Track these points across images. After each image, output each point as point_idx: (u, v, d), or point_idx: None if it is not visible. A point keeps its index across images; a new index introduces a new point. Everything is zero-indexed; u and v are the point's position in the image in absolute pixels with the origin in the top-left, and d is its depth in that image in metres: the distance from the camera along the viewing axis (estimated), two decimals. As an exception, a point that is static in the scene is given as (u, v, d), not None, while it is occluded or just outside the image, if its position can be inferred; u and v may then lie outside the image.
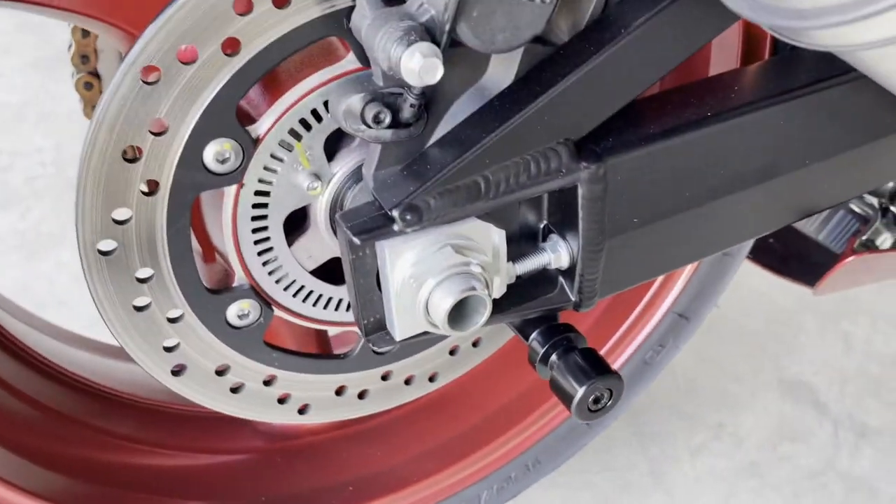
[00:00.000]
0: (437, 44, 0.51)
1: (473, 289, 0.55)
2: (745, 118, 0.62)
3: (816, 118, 0.64)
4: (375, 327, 0.61)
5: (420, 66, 0.49)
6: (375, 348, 0.60)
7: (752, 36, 0.75)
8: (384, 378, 0.76)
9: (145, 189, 0.56)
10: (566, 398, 0.61)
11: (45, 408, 0.71)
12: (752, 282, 1.26)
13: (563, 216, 0.60)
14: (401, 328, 0.59)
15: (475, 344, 0.79)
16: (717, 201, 0.64)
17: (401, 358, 0.75)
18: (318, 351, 0.81)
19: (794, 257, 0.94)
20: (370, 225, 0.55)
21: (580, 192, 0.58)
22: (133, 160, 0.55)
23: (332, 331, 0.82)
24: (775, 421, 1.19)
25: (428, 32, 0.51)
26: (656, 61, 0.57)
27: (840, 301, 1.33)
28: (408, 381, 0.78)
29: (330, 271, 0.68)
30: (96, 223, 0.56)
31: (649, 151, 0.59)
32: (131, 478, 0.75)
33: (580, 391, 0.61)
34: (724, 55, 0.77)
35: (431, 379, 0.79)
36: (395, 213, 0.54)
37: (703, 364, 1.24)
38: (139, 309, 0.60)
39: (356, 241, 0.55)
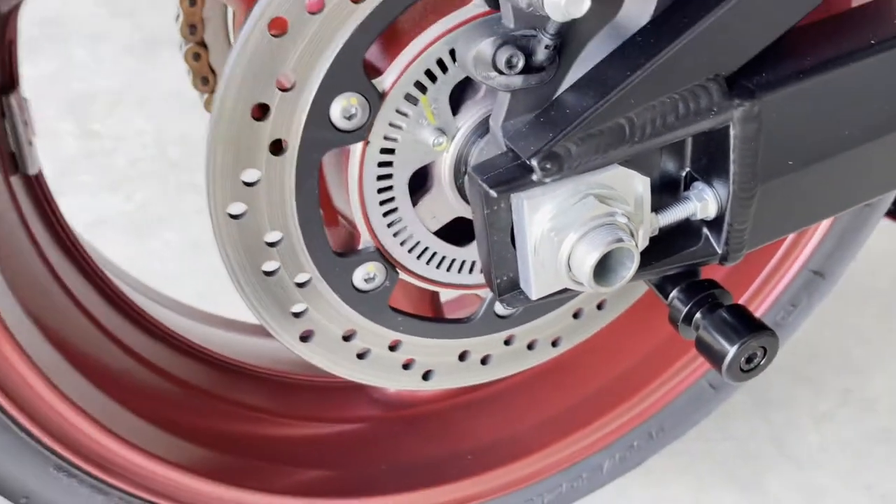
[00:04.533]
0: (581, -25, 0.47)
1: (621, 240, 0.52)
2: (911, 45, 0.55)
3: None
4: (509, 286, 0.58)
5: (566, -2, 0.46)
6: (509, 308, 0.57)
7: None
8: (507, 343, 0.73)
9: (273, 149, 0.55)
10: (716, 359, 0.57)
11: (179, 381, 0.72)
12: (876, 239, 1.18)
13: (710, 161, 0.56)
14: (538, 286, 0.56)
15: (600, 306, 0.76)
16: (878, 140, 0.59)
17: (524, 322, 0.72)
18: (432, 315, 0.79)
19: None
20: (506, 176, 0.52)
21: (732, 132, 0.53)
22: (261, 119, 0.53)
23: (444, 295, 0.80)
24: (907, 385, 1.11)
25: (568, -36, 0.47)
26: (815, -15, 0.52)
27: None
28: (531, 346, 0.75)
29: (451, 232, 0.66)
30: (226, 186, 0.55)
31: (808, 85, 0.54)
32: (259, 447, 0.75)
33: (732, 350, 0.57)
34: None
35: (554, 343, 0.76)
36: (534, 162, 0.51)
37: (825, 326, 1.17)
38: (269, 273, 0.59)
39: (493, 193, 0.52)
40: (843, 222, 0.83)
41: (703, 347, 0.59)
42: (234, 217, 0.56)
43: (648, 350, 0.87)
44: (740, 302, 0.86)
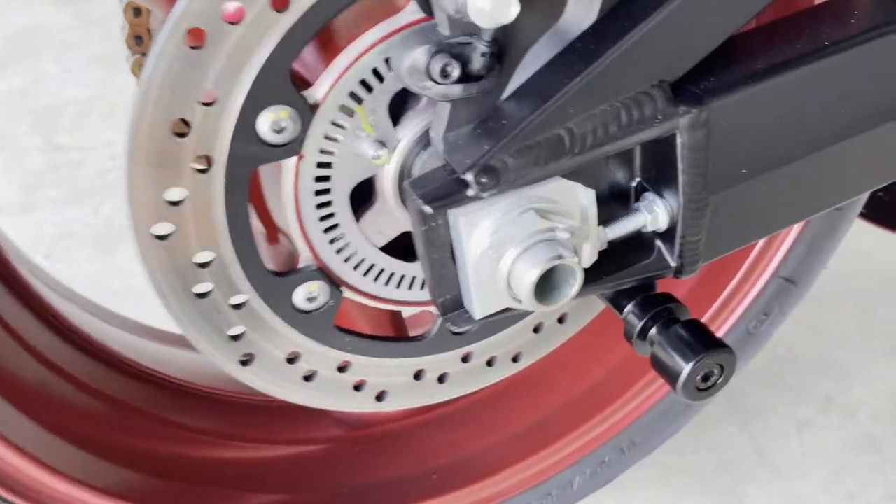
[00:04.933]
0: (509, -22, 0.44)
1: (561, 257, 0.49)
2: (869, 46, 0.53)
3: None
4: (453, 305, 0.55)
5: (491, 4, 0.43)
6: (454, 328, 0.55)
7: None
8: (464, 360, 0.71)
9: (198, 166, 0.52)
10: (670, 377, 0.55)
11: (111, 400, 0.68)
12: (854, 241, 1.16)
13: (659, 171, 0.54)
14: (480, 305, 0.53)
15: (561, 320, 0.73)
16: (837, 145, 0.56)
17: (481, 338, 0.69)
18: (394, 334, 0.76)
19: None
20: (442, 191, 0.50)
21: (679, 141, 0.51)
22: (183, 135, 0.51)
23: (406, 311, 0.77)
24: (890, 390, 1.08)
25: (497, -34, 0.45)
26: (763, -16, 0.49)
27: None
28: (490, 363, 0.72)
29: (400, 247, 0.63)
30: (149, 206, 0.52)
31: (758, 90, 0.51)
32: (204, 471, 0.72)
33: (687, 368, 0.54)
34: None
35: (515, 359, 0.73)
36: (470, 177, 0.49)
37: (804, 331, 1.15)
38: (201, 296, 0.57)
39: (427, 209, 0.49)
40: (814, 227, 0.80)
41: (658, 365, 0.56)
42: (160, 238, 0.53)
43: (617, 362, 0.85)
44: (711, 310, 0.84)
